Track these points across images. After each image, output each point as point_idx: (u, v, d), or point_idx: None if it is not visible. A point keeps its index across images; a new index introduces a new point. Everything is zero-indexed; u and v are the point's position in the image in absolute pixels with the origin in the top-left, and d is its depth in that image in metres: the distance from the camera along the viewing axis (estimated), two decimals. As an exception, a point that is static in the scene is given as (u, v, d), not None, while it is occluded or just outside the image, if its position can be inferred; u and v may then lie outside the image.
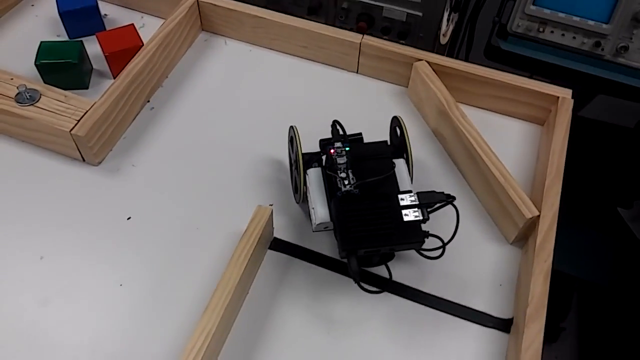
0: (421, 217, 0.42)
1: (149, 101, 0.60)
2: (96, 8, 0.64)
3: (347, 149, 0.46)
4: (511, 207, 0.49)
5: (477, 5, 0.84)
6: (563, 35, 0.71)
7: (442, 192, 0.43)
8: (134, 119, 0.58)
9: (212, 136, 0.57)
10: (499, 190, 0.50)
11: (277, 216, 0.50)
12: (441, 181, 0.55)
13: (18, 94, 0.52)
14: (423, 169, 0.56)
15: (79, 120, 0.51)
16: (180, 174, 0.54)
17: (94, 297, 0.45)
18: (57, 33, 0.66)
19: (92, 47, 0.61)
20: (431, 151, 0.58)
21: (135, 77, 0.56)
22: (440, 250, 0.44)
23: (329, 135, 0.50)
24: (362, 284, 0.43)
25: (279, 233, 0.50)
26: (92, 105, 0.53)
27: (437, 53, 0.61)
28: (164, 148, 0.56)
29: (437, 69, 0.59)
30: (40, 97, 0.53)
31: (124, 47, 0.59)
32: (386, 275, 0.47)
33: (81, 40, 0.60)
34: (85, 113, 0.52)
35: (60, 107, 0.52)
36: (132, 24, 0.62)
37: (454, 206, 0.44)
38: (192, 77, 0.63)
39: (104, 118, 0.53)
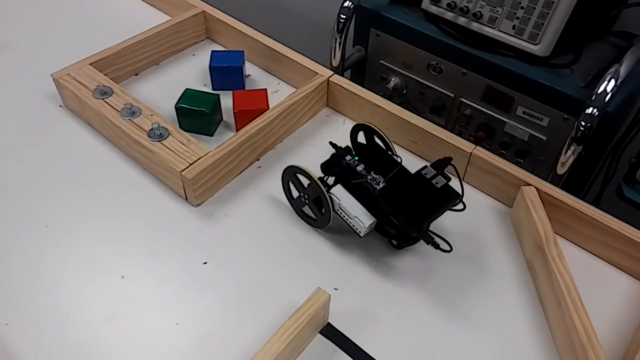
0: (445, 180, 0.51)
1: (258, 159, 0.65)
2: (241, 69, 0.72)
3: (357, 158, 0.53)
4: (588, 371, 0.44)
5: (620, 142, 0.79)
6: None
7: (445, 157, 0.53)
8: (240, 173, 0.63)
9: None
10: (578, 348, 0.45)
11: (339, 302, 0.50)
12: (521, 320, 0.51)
13: (151, 129, 0.60)
14: (507, 301, 0.53)
15: (191, 164, 0.57)
16: (263, 235, 0.57)
17: (151, 326, 0.48)
18: (204, 83, 0.75)
19: (228, 101, 0.68)
20: (519, 284, 0.54)
21: (251, 136, 0.61)
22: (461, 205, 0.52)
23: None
24: (440, 246, 0.50)
25: (336, 319, 0.50)
26: (207, 154, 0.58)
27: (551, 182, 0.59)
28: (257, 207, 0.59)
29: (545, 198, 0.57)
30: (168, 135, 0.60)
31: (251, 108, 0.65)
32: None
33: (218, 94, 0.67)
34: (198, 159, 0.57)
35: (181, 148, 0.59)
36: (265, 89, 0.68)
37: (453, 166, 0.53)
38: (304, 146, 0.67)
39: (213, 167, 0.58)
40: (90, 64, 0.68)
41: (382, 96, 0.68)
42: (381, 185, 0.51)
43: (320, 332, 0.48)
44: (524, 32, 0.73)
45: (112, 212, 0.58)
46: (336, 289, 0.52)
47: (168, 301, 0.50)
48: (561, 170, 0.71)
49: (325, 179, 0.54)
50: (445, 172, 0.52)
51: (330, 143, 0.57)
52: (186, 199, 0.59)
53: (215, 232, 0.57)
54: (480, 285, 0.53)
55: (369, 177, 0.52)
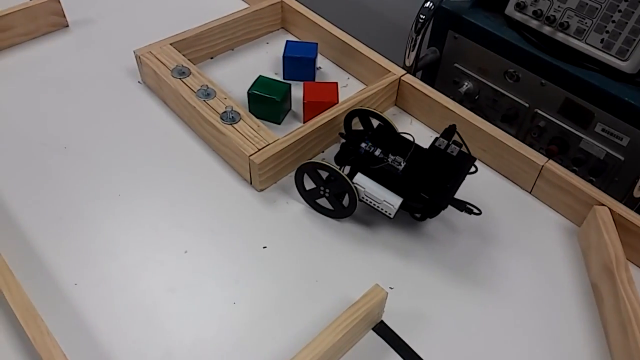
0: (458, 147, 0.54)
1: (323, 152, 0.65)
2: (313, 60, 0.73)
3: (370, 143, 0.54)
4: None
5: None
6: None
7: (450, 125, 0.56)
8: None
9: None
10: (644, 380, 0.43)
11: (395, 301, 0.50)
12: (581, 346, 0.49)
13: (224, 112, 0.61)
14: (568, 323, 0.51)
15: (260, 149, 0.58)
16: (323, 226, 0.57)
17: (209, 303, 0.50)
18: (275, 71, 0.76)
19: (298, 91, 0.69)
20: (582, 306, 0.52)
21: (319, 128, 0.62)
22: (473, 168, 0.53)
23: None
24: (469, 207, 0.52)
25: (390, 318, 0.49)
26: (275, 141, 0.59)
27: (626, 204, 0.56)
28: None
29: (619, 220, 0.54)
30: (239, 120, 0.61)
31: (321, 100, 0.65)
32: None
33: (290, 84, 0.68)
34: (267, 145, 0.58)
35: (251, 133, 0.60)
36: (336, 83, 0.69)
37: (458, 133, 0.55)
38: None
39: (280, 154, 0.59)
40: (170, 44, 0.71)
41: (453, 100, 0.66)
42: (403, 165, 0.52)
43: (373, 329, 0.48)
44: (613, 47, 0.70)
45: (180, 189, 0.60)
46: (392, 288, 0.52)
47: (227, 280, 0.52)
48: (638, 193, 0.67)
49: (341, 169, 0.54)
50: (455, 140, 0.55)
51: (340, 134, 0.59)
52: (251, 183, 0.60)
53: (276, 218, 0.57)
54: (540, 304, 0.52)
55: (390, 160, 0.53)
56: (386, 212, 0.53)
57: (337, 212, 0.57)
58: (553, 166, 0.59)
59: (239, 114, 0.62)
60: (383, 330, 0.48)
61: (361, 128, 0.62)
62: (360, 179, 0.54)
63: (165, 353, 0.46)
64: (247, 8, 0.78)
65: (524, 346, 0.49)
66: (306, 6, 0.80)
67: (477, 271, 0.54)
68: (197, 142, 0.65)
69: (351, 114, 0.61)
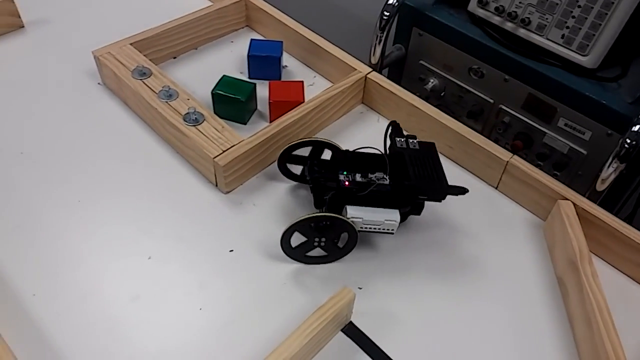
0: (414, 139, 0.55)
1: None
2: (279, 60, 0.72)
3: (345, 172, 0.52)
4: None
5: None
6: None
7: (391, 122, 0.56)
8: (271, 163, 0.63)
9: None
10: (608, 371, 0.44)
11: (362, 301, 0.50)
12: (548, 337, 0.50)
13: (187, 113, 0.60)
14: (534, 317, 0.51)
15: (224, 151, 0.57)
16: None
17: (175, 310, 0.49)
18: (240, 70, 0.74)
19: (263, 90, 0.68)
20: (548, 300, 0.53)
21: (285, 127, 0.61)
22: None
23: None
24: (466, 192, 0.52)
25: (359, 318, 0.49)
26: (240, 142, 0.58)
27: (589, 198, 0.57)
28: (286, 198, 0.59)
29: (582, 214, 0.55)
30: (203, 121, 0.60)
31: (286, 99, 0.65)
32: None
33: (255, 83, 0.67)
34: (232, 146, 0.57)
35: (215, 135, 0.59)
36: (302, 82, 0.68)
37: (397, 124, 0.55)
38: (336, 140, 0.66)
39: (245, 156, 0.58)
40: (130, 44, 0.69)
41: (419, 97, 0.67)
42: (388, 179, 0.51)
43: (342, 330, 0.48)
44: (573, 42, 0.71)
45: (143, 193, 0.58)
46: (360, 288, 0.51)
47: (192, 286, 0.50)
48: (601, 187, 0.69)
49: (320, 211, 0.51)
50: (407, 134, 0.55)
51: (309, 180, 0.54)
52: (216, 185, 0.59)
53: (242, 221, 0.56)
54: (507, 299, 0.52)
55: (373, 180, 0.51)
56: (388, 230, 0.51)
57: (332, 256, 0.53)
58: (518, 161, 0.59)
59: (202, 115, 0.60)
60: (352, 331, 0.48)
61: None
62: (354, 212, 0.50)
63: (129, 364, 0.45)
64: (210, 6, 0.77)
65: (491, 341, 0.49)
66: (271, 4, 0.79)
67: (444, 268, 0.54)
68: (160, 145, 0.63)
69: (286, 151, 0.57)
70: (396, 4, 0.81)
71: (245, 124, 0.67)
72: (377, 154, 0.54)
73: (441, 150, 0.66)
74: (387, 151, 0.55)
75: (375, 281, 0.52)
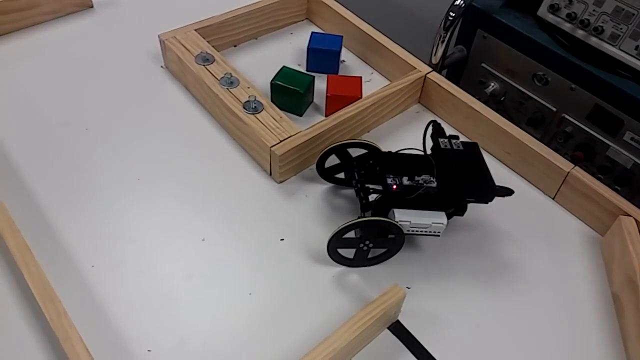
0: (457, 139, 0.53)
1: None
2: (338, 54, 0.72)
3: (392, 176, 0.51)
4: None
5: None
6: None
7: (431, 122, 0.54)
8: (325, 156, 0.63)
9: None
10: (665, 397, 0.42)
11: (411, 301, 0.49)
12: (598, 356, 0.48)
13: (247, 101, 0.61)
14: (587, 333, 0.50)
15: (281, 141, 0.57)
16: (342, 219, 0.55)
17: (225, 292, 0.50)
18: (299, 62, 0.75)
19: (320, 84, 0.68)
20: (602, 316, 0.51)
21: (342, 122, 0.61)
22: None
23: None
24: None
25: (405, 318, 0.49)
26: (297, 133, 0.58)
27: (653, 215, 0.54)
28: (338, 192, 0.59)
29: (645, 232, 0.53)
30: (262, 110, 0.61)
31: (344, 94, 0.65)
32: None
33: (314, 76, 0.67)
34: (289, 137, 0.58)
35: (273, 124, 0.59)
36: (360, 77, 0.68)
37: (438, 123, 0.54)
38: (390, 139, 0.66)
39: (302, 147, 0.58)
40: (195, 30, 0.70)
41: (478, 100, 0.65)
42: (435, 182, 0.50)
43: (389, 328, 0.48)
44: (647, 54, 0.68)
45: (198, 177, 0.59)
46: (409, 288, 0.51)
47: (243, 270, 0.51)
48: (665, 205, 0.66)
49: (362, 215, 0.51)
50: (449, 134, 0.54)
51: (356, 190, 0.54)
52: (270, 174, 0.60)
53: (294, 211, 0.57)
54: (557, 312, 0.51)
55: (421, 182, 0.50)
56: (435, 232, 0.51)
57: (378, 259, 0.53)
58: (579, 173, 0.58)
59: (261, 103, 0.61)
60: (398, 330, 0.48)
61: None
62: (401, 216, 0.50)
63: (180, 340, 0.46)
64: (273, -3, 0.77)
65: (540, 354, 0.48)
66: (331, -2, 0.79)
67: (497, 276, 0.53)
68: (217, 130, 0.65)
69: (326, 153, 0.57)
70: (463, 4, 0.80)
71: (301, 115, 0.67)
72: (422, 156, 0.53)
73: (498, 156, 0.65)
74: (427, 151, 0.53)
75: (421, 282, 0.52)
